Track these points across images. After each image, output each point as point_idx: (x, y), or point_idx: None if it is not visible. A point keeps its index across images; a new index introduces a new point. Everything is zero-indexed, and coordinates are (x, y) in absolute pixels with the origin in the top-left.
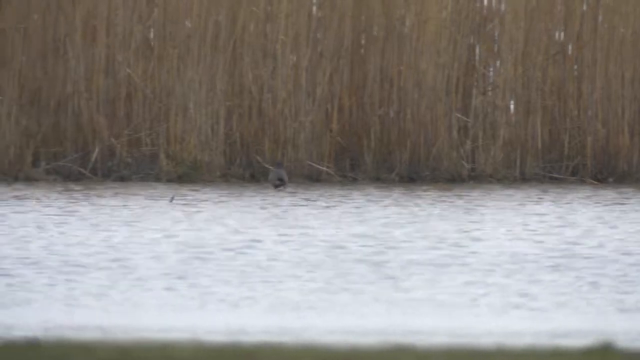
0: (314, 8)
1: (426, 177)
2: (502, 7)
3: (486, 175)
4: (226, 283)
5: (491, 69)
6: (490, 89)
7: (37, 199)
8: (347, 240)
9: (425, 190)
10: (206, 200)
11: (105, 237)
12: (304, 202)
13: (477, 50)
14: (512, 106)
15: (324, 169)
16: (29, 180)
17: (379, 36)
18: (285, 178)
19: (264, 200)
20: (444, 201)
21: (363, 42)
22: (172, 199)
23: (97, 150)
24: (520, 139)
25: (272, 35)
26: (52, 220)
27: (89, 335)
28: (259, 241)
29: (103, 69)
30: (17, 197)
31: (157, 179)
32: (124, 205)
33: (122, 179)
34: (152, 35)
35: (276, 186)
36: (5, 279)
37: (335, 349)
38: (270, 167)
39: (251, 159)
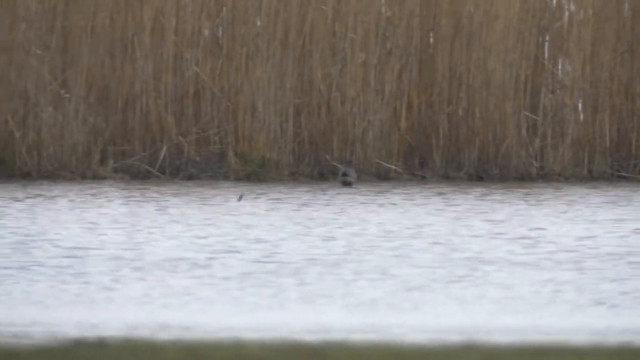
0: (383, 6)
1: (495, 176)
2: (571, 5)
3: (554, 173)
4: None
5: (560, 68)
6: (558, 87)
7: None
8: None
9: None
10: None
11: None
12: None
13: (546, 49)
14: (580, 105)
15: (393, 167)
16: (96, 178)
17: (448, 34)
18: (354, 176)
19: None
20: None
21: (431, 40)
22: (240, 198)
23: (164, 148)
24: (589, 137)
25: (341, 33)
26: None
27: (162, 334)
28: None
29: (171, 68)
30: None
31: (225, 177)
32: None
33: (190, 178)
34: (220, 33)
35: (344, 184)
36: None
37: (406, 347)
38: (339, 165)
39: (320, 158)
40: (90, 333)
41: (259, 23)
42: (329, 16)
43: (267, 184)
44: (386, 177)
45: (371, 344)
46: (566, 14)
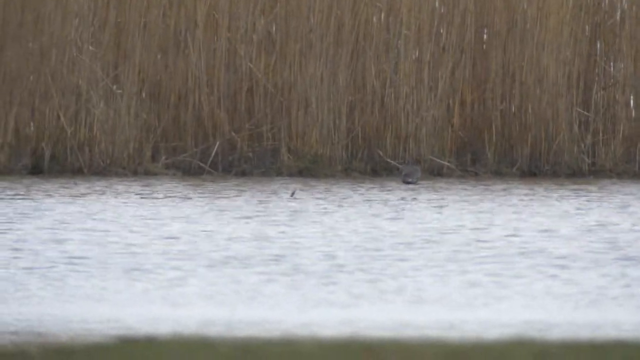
0: (437, 2)
1: (547, 172)
2: (624, 2)
3: (606, 170)
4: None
5: (612, 64)
6: (610, 84)
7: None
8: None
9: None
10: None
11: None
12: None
13: (598, 46)
14: (632, 101)
15: (446, 163)
16: (148, 174)
17: (501, 31)
18: (417, 176)
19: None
20: None
21: (485, 36)
22: (293, 194)
23: (217, 144)
24: None
25: (395, 30)
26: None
27: (214, 330)
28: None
29: (224, 64)
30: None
31: (279, 173)
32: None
33: (243, 174)
34: (274, 29)
35: (405, 182)
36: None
37: (456, 342)
38: (392, 162)
39: (373, 154)
40: (164, 328)
41: (312, 19)
42: (383, 12)
43: (320, 179)
44: (439, 173)
45: (426, 340)
46: (618, 11)
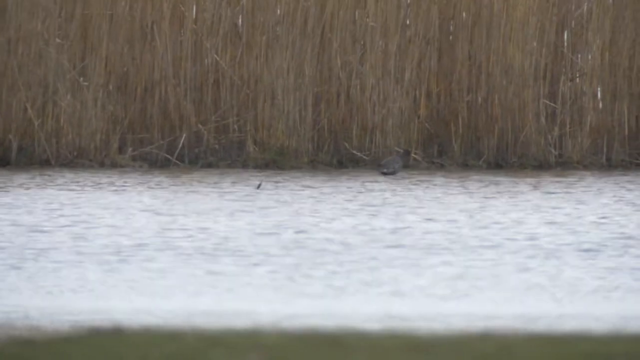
0: None
1: (514, 164)
2: None
3: (573, 162)
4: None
5: (579, 56)
6: (577, 75)
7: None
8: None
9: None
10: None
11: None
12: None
13: (565, 37)
14: (599, 93)
15: (412, 155)
16: (115, 166)
17: (467, 22)
18: (394, 167)
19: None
20: None
21: (451, 28)
22: (259, 186)
23: (184, 136)
24: (607, 125)
25: (361, 21)
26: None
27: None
28: None
29: (190, 56)
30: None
31: (244, 165)
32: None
33: (209, 166)
34: (240, 21)
35: (383, 173)
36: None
37: (420, 335)
38: (358, 153)
39: (339, 146)
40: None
41: (278, 11)
42: (349, 4)
43: (286, 171)
44: (405, 165)
45: (392, 333)
46: (585, 2)
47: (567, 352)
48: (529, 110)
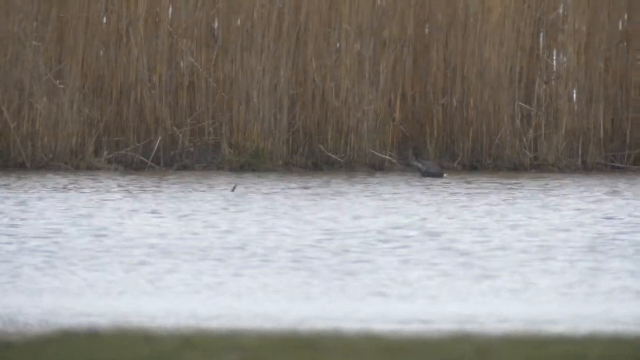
0: None
1: (489, 166)
2: None
3: (548, 164)
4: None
5: (555, 58)
6: (553, 78)
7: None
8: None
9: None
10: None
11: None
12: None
13: (541, 40)
14: (575, 95)
15: (387, 157)
16: (91, 169)
17: (443, 25)
18: (429, 168)
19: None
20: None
21: (427, 31)
22: (234, 189)
23: (159, 139)
24: (583, 128)
25: (336, 25)
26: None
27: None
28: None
29: (166, 59)
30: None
31: (220, 168)
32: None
33: (185, 168)
34: (216, 24)
35: (424, 175)
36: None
37: (397, 338)
38: (333, 156)
39: (314, 148)
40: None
41: (254, 14)
42: (324, 7)
43: (261, 174)
44: (380, 168)
45: (367, 335)
46: (562, 4)
47: (543, 355)
48: (504, 113)
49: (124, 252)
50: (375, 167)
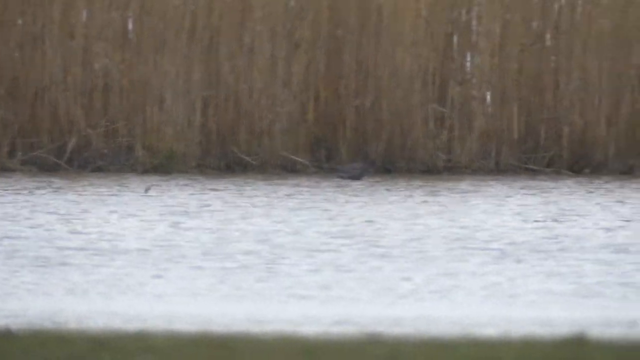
0: None
1: (401, 168)
2: None
3: (461, 166)
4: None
5: (468, 60)
6: (466, 79)
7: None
8: None
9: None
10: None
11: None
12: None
13: (454, 41)
14: (488, 97)
15: (300, 159)
16: (5, 170)
17: (355, 26)
18: (351, 172)
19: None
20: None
21: (339, 32)
22: (147, 190)
23: (73, 141)
24: (496, 130)
25: (249, 26)
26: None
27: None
28: None
29: (80, 60)
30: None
31: (133, 169)
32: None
33: (99, 170)
34: (130, 26)
35: (340, 177)
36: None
37: (311, 339)
38: (246, 157)
39: (227, 150)
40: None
41: (167, 15)
42: (236, 9)
43: (174, 175)
44: (293, 169)
45: (280, 336)
46: (475, 6)
47: (456, 357)
48: (417, 115)
49: (42, 252)
50: (288, 169)
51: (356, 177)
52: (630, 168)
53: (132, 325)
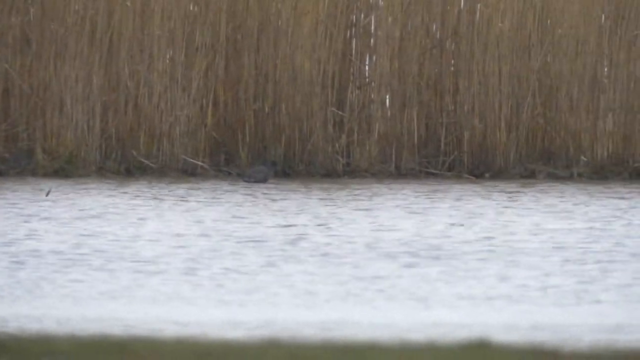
0: (190, 3)
1: (301, 172)
2: (379, 0)
3: (361, 170)
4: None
5: (367, 64)
6: (365, 83)
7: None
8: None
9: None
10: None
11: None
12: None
13: (354, 45)
14: (387, 101)
15: (199, 163)
16: None
17: (254, 30)
18: (255, 176)
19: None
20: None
21: (239, 36)
22: (48, 193)
23: None
24: (396, 133)
25: (148, 30)
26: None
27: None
28: None
29: None
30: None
31: (34, 173)
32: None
33: (0, 174)
34: (30, 30)
35: (245, 181)
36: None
37: (210, 342)
38: (145, 161)
39: (127, 154)
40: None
41: (67, 20)
42: (136, 13)
43: (75, 179)
44: (193, 173)
45: (179, 340)
46: (374, 10)
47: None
48: (316, 119)
49: None
50: (188, 173)
51: (261, 180)
52: (532, 172)
53: (32, 327)
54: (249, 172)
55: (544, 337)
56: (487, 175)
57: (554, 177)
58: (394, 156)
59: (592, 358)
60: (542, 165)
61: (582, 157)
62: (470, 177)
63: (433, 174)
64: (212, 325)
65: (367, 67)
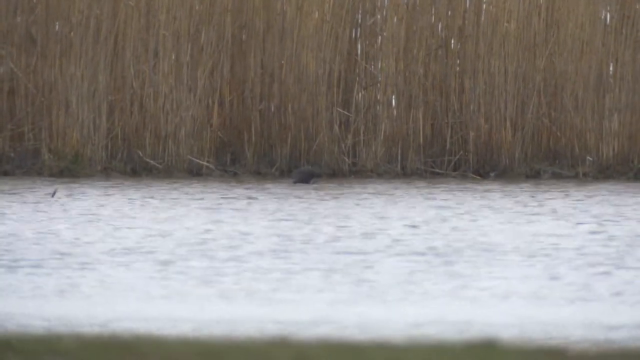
0: (195, 2)
1: None
2: (385, 1)
3: (367, 170)
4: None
5: (373, 64)
6: (371, 83)
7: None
8: None
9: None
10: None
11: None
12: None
13: (359, 45)
14: (394, 101)
15: (205, 163)
16: None
17: (260, 30)
18: (299, 176)
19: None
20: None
21: (244, 36)
22: (53, 194)
23: None
24: (402, 133)
25: (153, 30)
26: None
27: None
28: None
29: None
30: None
31: (39, 173)
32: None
33: (5, 174)
34: (35, 29)
35: (294, 182)
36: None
37: (214, 340)
38: (151, 161)
39: (132, 154)
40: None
41: (72, 20)
42: (141, 13)
43: (81, 179)
44: (198, 173)
45: (183, 339)
46: (380, 10)
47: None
48: (322, 119)
49: None
50: (193, 173)
51: (306, 180)
52: (537, 172)
53: (39, 326)
54: (295, 173)
55: (552, 336)
56: (492, 174)
57: (559, 177)
58: (399, 156)
59: (600, 357)
60: (547, 165)
61: (588, 157)
62: (476, 176)
63: (438, 174)
64: (214, 323)
65: (372, 68)
